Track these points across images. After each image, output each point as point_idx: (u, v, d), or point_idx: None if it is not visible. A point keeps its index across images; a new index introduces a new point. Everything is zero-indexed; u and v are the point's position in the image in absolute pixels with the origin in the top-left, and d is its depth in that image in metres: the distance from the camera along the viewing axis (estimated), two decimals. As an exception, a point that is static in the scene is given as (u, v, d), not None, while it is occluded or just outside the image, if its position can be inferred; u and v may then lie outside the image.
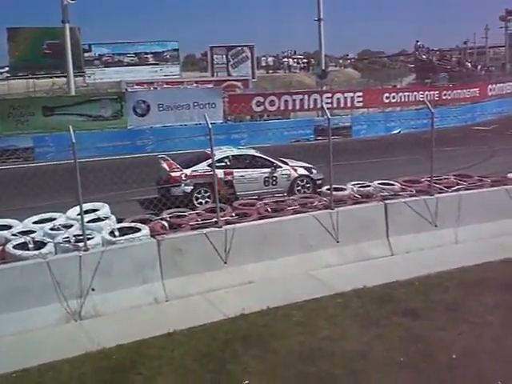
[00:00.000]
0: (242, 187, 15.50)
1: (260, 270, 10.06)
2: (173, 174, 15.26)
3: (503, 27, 52.38)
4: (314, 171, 16.19)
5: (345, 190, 12.97)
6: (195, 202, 14.79)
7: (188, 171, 15.41)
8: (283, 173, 16.11)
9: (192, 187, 15.21)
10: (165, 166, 15.81)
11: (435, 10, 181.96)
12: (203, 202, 14.96)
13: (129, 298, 9.08)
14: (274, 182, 16.01)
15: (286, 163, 16.46)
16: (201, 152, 16.28)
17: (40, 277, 8.63)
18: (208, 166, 15.08)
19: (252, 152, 16.90)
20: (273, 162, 16.28)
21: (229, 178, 15.63)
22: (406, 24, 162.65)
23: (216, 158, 15.09)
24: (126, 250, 9.37)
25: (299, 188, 16.03)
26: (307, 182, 16.15)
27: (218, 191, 14.88)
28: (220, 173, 15.06)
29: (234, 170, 15.78)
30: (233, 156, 16.26)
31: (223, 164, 15.74)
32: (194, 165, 15.70)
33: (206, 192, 15.20)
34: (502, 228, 12.01)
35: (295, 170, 16.21)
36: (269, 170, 16.04)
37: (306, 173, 16.26)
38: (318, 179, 15.86)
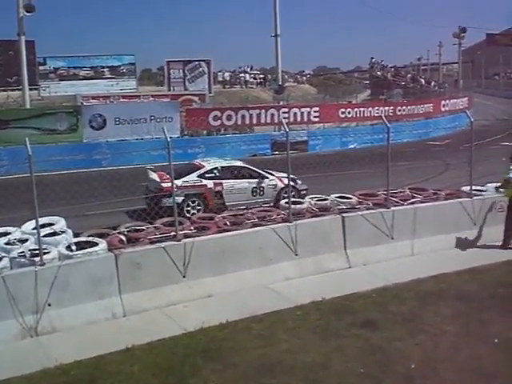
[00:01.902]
0: (230, 197, 15.74)
1: (219, 283, 10.03)
2: (164, 185, 15.01)
3: (456, 44, 53.52)
4: (299, 182, 16.36)
5: (303, 203, 13.07)
6: (186, 213, 14.93)
7: (179, 182, 15.27)
8: (270, 183, 16.35)
9: (183, 197, 15.29)
10: (154, 176, 15.74)
11: (389, 27, 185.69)
12: (194, 211, 15.21)
13: (86, 314, 8.94)
14: (262, 193, 16.27)
15: (272, 174, 16.65)
16: (190, 163, 16.74)
17: (-5, 292, 8.43)
18: (198, 176, 15.62)
19: (239, 163, 17.18)
20: (260, 173, 16.53)
21: (218, 188, 15.83)
22: (361, 40, 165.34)
23: (206, 169, 15.91)
24: (83, 265, 9.22)
25: (285, 198, 16.00)
26: (292, 192, 16.10)
27: (207, 202, 15.28)
28: (210, 183, 15.59)
29: (224, 181, 15.95)
30: (222, 167, 16.46)
31: (212, 175, 15.98)
32: (184, 175, 15.74)
33: (194, 202, 15.49)
34: (457, 240, 12.28)
35: (281, 181, 16.27)
36: (256, 180, 16.29)
37: (291, 183, 16.30)
38: (303, 189, 16.14)
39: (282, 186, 16.24)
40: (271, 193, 16.28)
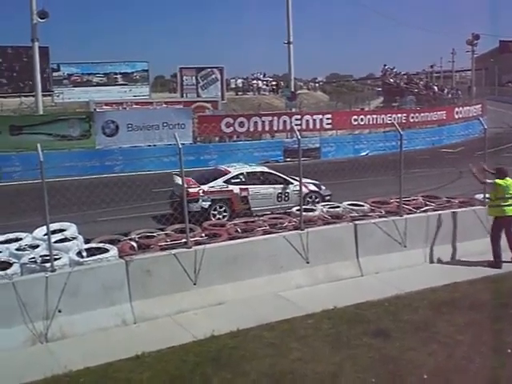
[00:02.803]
0: (256, 203, 15.92)
1: (230, 290, 9.97)
2: (191, 190, 15.34)
3: (469, 51, 53.45)
4: (323, 187, 16.67)
5: (315, 210, 13.00)
6: (212, 218, 15.25)
7: (205, 187, 15.77)
8: (295, 189, 16.21)
9: (209, 203, 15.62)
10: (180, 181, 15.76)
11: (402, 35, 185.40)
12: (220, 217, 15.50)
13: (96, 320, 8.90)
14: (287, 198, 16.40)
15: (296, 179, 16.52)
16: (215, 169, 17.20)
17: (5, 298, 8.42)
18: (224, 182, 15.91)
19: (264, 169, 17.43)
20: (285, 179, 16.67)
21: (244, 193, 16.00)
22: (374, 48, 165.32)
23: (232, 175, 16.15)
24: (93, 271, 9.19)
25: (309, 204, 16.06)
26: (316, 198, 16.48)
27: (233, 207, 15.54)
28: (236, 189, 15.83)
29: (249, 187, 16.11)
30: (247, 173, 16.66)
31: (238, 180, 16.19)
32: (210, 181, 16.12)
33: (221, 207, 15.79)
34: (470, 248, 12.16)
35: (306, 186, 16.24)
36: (281, 186, 16.43)
37: (315, 189, 16.68)
38: (327, 195, 16.47)
39: (307, 191, 16.34)
40: (296, 198, 16.04)
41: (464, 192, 13.43)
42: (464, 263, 11.91)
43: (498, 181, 11.84)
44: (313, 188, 16.64)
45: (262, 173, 17.10)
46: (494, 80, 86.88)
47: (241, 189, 16.05)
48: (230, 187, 16.07)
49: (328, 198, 16.29)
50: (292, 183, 16.51)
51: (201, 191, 15.67)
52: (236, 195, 15.87)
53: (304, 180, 16.14)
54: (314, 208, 13.23)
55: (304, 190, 16.07)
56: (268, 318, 9.11)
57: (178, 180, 15.67)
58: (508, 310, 9.30)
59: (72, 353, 8.20)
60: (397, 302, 9.80)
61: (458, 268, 11.61)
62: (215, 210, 15.74)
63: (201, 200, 15.55)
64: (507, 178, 11.90)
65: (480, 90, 62.02)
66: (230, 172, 16.56)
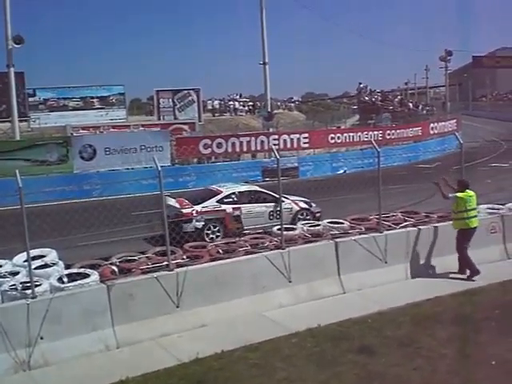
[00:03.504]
0: (248, 222, 15.96)
1: (213, 312, 9.93)
2: (184, 211, 15.60)
3: (443, 67, 54.22)
4: (314, 205, 16.79)
5: (295, 229, 13.04)
6: (206, 238, 15.34)
7: (198, 207, 15.84)
8: (286, 207, 16.20)
9: (203, 223, 15.67)
10: (173, 202, 16.05)
11: (377, 52, 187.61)
12: (214, 237, 15.52)
13: (79, 346, 8.82)
14: (278, 216, 16.05)
15: (287, 197, 16.74)
16: (206, 189, 17.26)
17: (-14, 326, 8.31)
18: (217, 201, 16.00)
19: (256, 188, 17.51)
20: (275, 197, 16.41)
21: (237, 213, 16.05)
22: (349, 66, 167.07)
23: (224, 194, 16.24)
24: (74, 297, 9.12)
25: (300, 221, 16.12)
26: (307, 215, 16.64)
27: (226, 226, 15.58)
28: (228, 208, 15.88)
29: (242, 206, 16.19)
30: (239, 192, 16.74)
31: (230, 200, 16.25)
32: (202, 201, 16.21)
33: (215, 227, 15.83)
34: (450, 262, 12.27)
35: (296, 204, 16.66)
36: (273, 204, 16.37)
37: (306, 206, 16.83)
38: (317, 212, 16.61)
39: (298, 208, 16.66)
40: (287, 216, 16.29)
41: (442, 207, 13.53)
42: (445, 277, 12.03)
43: (458, 194, 12.06)
44: (303, 205, 16.83)
45: (254, 192, 17.20)
46: (468, 95, 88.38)
47: (233, 208, 16.11)
48: (223, 207, 16.14)
49: (318, 215, 16.48)
50: (283, 201, 16.48)
51: (194, 211, 15.75)
52: (229, 214, 15.94)
53: (294, 198, 16.77)
54: (294, 227, 13.25)
55: (295, 207, 16.61)
56: (252, 338, 9.09)
57: (170, 201, 15.94)
58: (490, 323, 9.39)
59: (55, 380, 8.15)
60: (380, 318, 9.84)
61: (439, 282, 11.70)
62: (209, 229, 15.80)
63: (194, 220, 15.60)
64: (467, 191, 12.09)
65: (454, 105, 62.85)
66: (222, 192, 16.61)
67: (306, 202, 16.89)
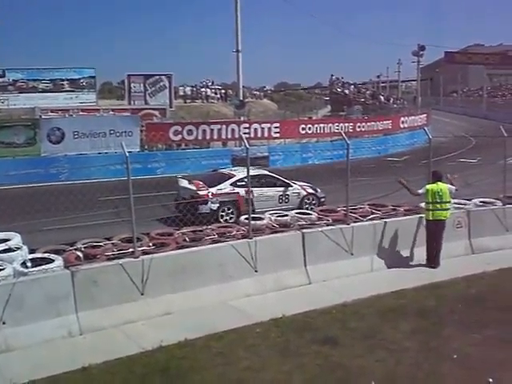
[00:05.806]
0: (260, 205, 16.07)
1: (178, 300, 9.88)
2: (201, 193, 16.23)
3: (415, 62, 54.69)
4: (319, 190, 17.45)
5: (263, 219, 13.05)
6: (220, 219, 15.94)
7: (213, 190, 16.34)
8: (294, 191, 17.24)
9: (218, 205, 16.29)
10: (186, 184, 16.72)
11: (350, 45, 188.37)
12: (227, 218, 16.20)
13: (42, 332, 8.69)
14: (287, 200, 17.12)
15: (295, 183, 17.55)
16: (217, 172, 18.09)
17: None
18: (231, 184, 16.54)
19: (266, 172, 18.05)
20: (285, 181, 17.34)
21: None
22: (322, 57, 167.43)
23: (238, 178, 16.75)
24: (38, 282, 8.98)
25: (307, 205, 17.00)
26: (313, 200, 17.34)
27: (239, 208, 16.06)
28: (241, 191, 16.23)
29: (254, 189, 16.23)
30: (251, 176, 16.52)
31: (243, 183, 16.34)
32: (217, 184, 16.81)
33: (229, 209, 16.43)
34: (416, 255, 12.41)
35: (304, 189, 17.36)
36: (282, 188, 17.11)
37: (312, 191, 17.50)
38: (322, 197, 17.31)
39: (305, 193, 17.44)
40: (295, 200, 17.16)
41: (409, 200, 13.65)
42: (410, 270, 12.16)
43: (428, 186, 12.20)
44: (310, 190, 17.49)
45: (265, 176, 17.66)
46: (439, 90, 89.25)
47: (246, 191, 16.12)
48: (237, 189, 16.55)
49: (323, 200, 17.20)
50: (291, 186, 17.36)
51: (210, 194, 16.23)
52: (242, 197, 16.24)
53: (300, 183, 17.61)
54: (261, 217, 13.26)
55: (302, 192, 17.40)
56: (217, 327, 9.07)
57: (184, 183, 16.73)
58: (453, 316, 9.51)
59: (17, 366, 8.00)
60: (344, 309, 9.89)
61: (405, 275, 11.79)
62: (223, 211, 16.38)
63: (210, 202, 16.13)
64: (438, 183, 12.20)
65: (425, 99, 63.58)
66: (234, 175, 17.14)
67: (312, 188, 17.58)
